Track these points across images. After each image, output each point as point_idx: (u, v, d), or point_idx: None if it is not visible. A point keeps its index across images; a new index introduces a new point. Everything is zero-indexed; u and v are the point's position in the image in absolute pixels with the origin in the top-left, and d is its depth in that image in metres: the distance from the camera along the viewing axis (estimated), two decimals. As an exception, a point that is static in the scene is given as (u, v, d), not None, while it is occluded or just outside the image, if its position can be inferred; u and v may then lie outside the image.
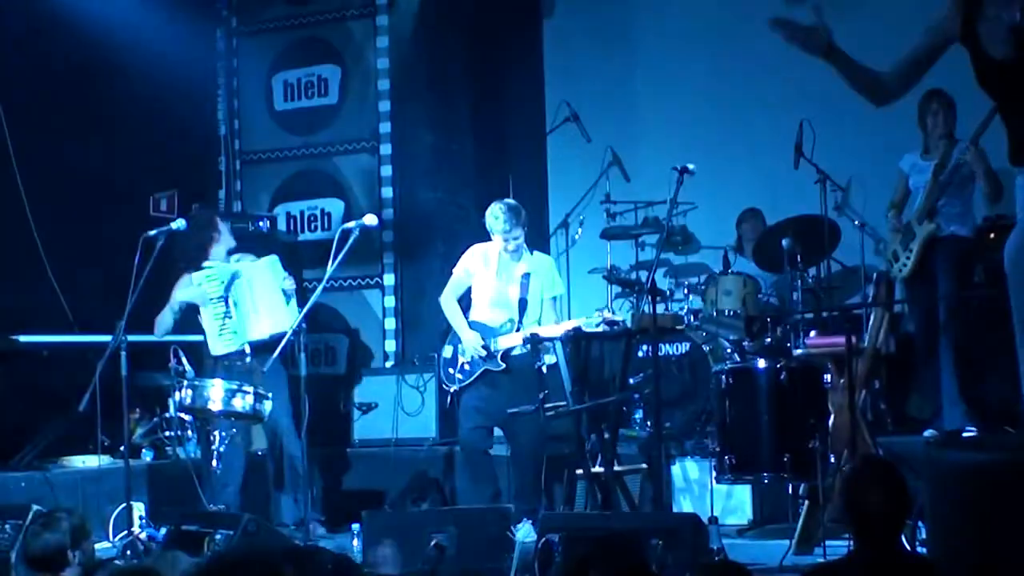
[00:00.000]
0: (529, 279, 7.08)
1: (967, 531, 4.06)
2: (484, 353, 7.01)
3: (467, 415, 7.10)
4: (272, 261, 7.36)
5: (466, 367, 7.08)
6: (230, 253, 7.43)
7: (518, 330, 7.01)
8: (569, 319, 7.35)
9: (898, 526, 3.90)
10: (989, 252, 6.94)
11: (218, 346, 7.19)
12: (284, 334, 6.85)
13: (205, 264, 7.27)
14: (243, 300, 7.21)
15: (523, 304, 7.05)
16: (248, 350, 7.17)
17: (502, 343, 7.00)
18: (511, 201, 7.19)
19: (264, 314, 7.20)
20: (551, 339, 7.17)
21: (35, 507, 5.87)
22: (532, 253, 7.20)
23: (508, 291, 7.10)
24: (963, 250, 7.00)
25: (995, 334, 6.69)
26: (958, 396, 6.77)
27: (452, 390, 7.17)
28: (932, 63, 4.45)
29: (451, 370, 7.15)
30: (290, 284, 7.30)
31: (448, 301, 7.25)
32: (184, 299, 7.28)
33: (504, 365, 6.99)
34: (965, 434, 6.58)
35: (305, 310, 6.95)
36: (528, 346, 6.98)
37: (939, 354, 6.87)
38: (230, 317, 7.20)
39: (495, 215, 7.03)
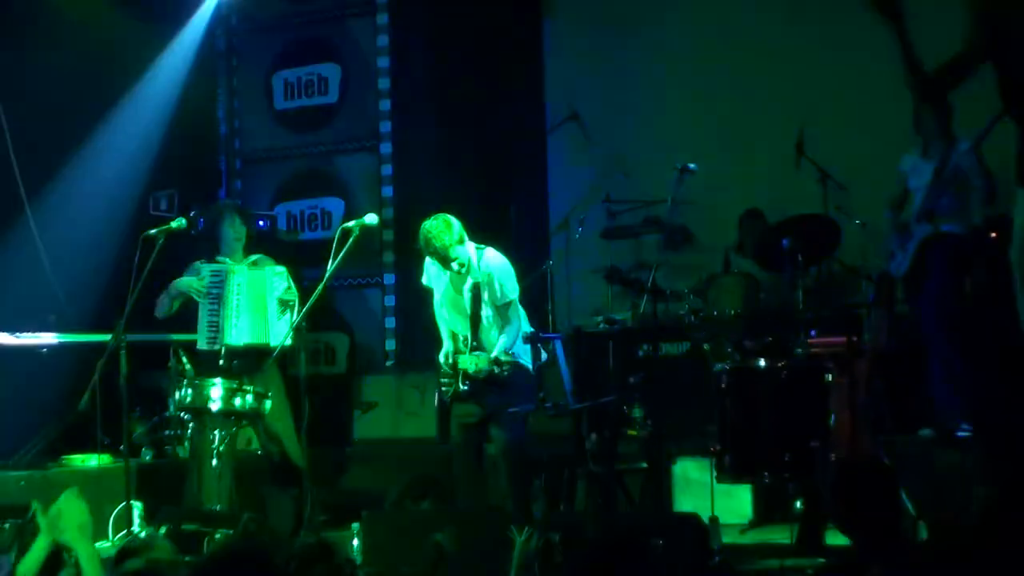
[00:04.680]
0: (478, 292, 6.67)
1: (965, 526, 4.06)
2: (450, 375, 6.70)
3: (453, 421, 6.87)
4: (273, 272, 7.30)
5: (445, 381, 6.77)
6: (248, 251, 7.42)
7: (472, 349, 6.62)
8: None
9: (893, 524, 3.90)
10: (989, 251, 6.92)
11: (203, 340, 7.23)
12: (267, 345, 6.98)
13: (218, 258, 7.32)
14: (229, 302, 7.20)
15: (475, 320, 6.67)
16: (223, 352, 7.17)
17: (463, 367, 6.62)
18: (433, 221, 6.56)
19: (246, 322, 7.19)
20: (552, 336, 7.15)
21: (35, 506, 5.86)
22: (480, 261, 6.69)
23: (459, 301, 6.75)
24: (958, 248, 6.94)
25: (994, 332, 6.72)
26: (953, 395, 6.74)
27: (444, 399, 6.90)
28: (967, 73, 4.52)
29: (440, 378, 6.93)
30: (290, 295, 7.20)
31: (436, 312, 6.96)
32: (178, 286, 7.27)
33: (467, 387, 6.61)
34: (960, 433, 6.59)
35: (305, 310, 6.96)
36: (496, 367, 6.56)
37: (935, 352, 6.85)
38: (216, 316, 7.23)
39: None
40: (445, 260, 6.56)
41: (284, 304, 7.16)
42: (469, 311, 6.67)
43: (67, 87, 8.77)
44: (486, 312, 6.65)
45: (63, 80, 8.73)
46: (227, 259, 7.34)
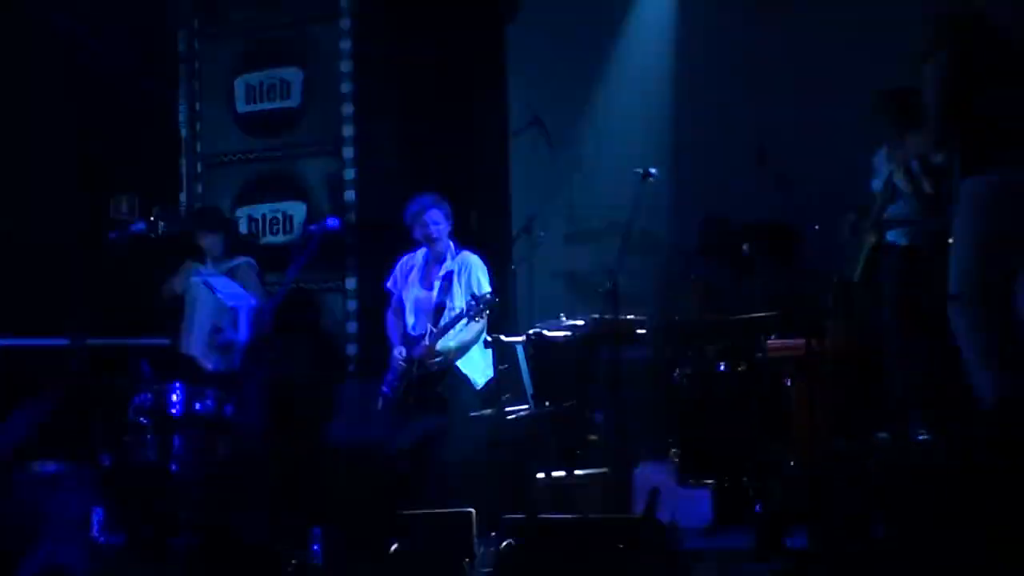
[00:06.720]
0: (450, 280, 6.88)
1: (922, 530, 4.11)
2: (402, 366, 6.87)
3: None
4: (224, 307, 7.35)
5: (393, 383, 6.95)
6: (234, 252, 7.50)
7: (431, 336, 6.83)
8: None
9: (856, 525, 3.94)
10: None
11: (182, 342, 7.33)
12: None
13: (207, 260, 7.42)
14: (189, 313, 7.30)
15: (439, 307, 6.86)
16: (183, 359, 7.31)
17: (415, 353, 6.83)
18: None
19: (195, 336, 7.27)
20: (514, 342, 7.17)
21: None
22: (458, 254, 7.02)
23: (426, 296, 6.94)
24: (905, 258, 6.93)
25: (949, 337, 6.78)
26: (909, 400, 6.79)
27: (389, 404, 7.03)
28: None
29: (385, 386, 7.07)
30: (227, 338, 7.30)
31: (388, 318, 7.17)
32: (170, 286, 7.58)
33: (416, 375, 6.80)
34: (919, 437, 6.63)
35: (268, 314, 6.98)
36: (443, 359, 6.76)
37: (890, 358, 6.90)
38: (186, 320, 7.31)
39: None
40: (415, 218, 6.93)
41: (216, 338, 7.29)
42: (435, 301, 6.79)
43: (27, 86, 8.72)
44: (452, 305, 6.69)
45: (24, 78, 8.68)
46: (205, 265, 7.45)
